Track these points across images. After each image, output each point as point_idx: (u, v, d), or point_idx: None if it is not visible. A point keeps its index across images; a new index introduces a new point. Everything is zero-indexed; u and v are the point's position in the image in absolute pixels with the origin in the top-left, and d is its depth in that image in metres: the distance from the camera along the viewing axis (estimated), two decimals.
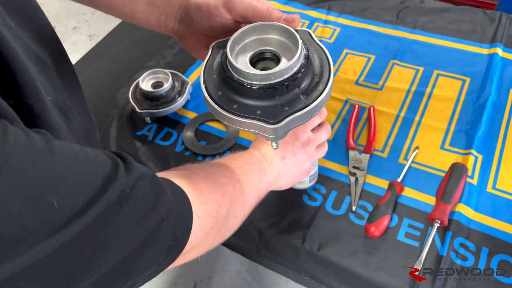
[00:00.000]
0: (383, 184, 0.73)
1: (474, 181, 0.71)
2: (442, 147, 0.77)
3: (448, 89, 0.85)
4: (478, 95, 0.83)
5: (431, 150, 0.76)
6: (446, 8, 1.02)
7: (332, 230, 0.69)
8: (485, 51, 0.91)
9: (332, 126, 0.82)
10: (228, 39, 0.45)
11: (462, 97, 0.84)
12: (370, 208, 0.70)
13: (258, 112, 0.42)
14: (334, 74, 0.90)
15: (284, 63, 0.44)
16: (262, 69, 0.44)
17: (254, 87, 0.42)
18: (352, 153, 0.77)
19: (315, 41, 0.48)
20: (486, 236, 0.65)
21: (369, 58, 0.93)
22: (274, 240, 0.69)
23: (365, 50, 0.94)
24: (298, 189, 0.74)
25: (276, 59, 0.46)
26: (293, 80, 0.42)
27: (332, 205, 0.71)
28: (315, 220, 0.70)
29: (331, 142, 0.80)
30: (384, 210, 0.68)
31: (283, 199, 0.73)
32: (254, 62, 0.46)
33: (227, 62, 0.43)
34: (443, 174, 0.73)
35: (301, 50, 0.42)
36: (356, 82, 0.89)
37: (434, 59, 0.91)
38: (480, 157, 0.74)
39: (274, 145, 0.50)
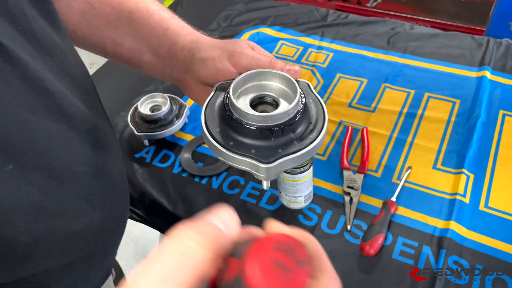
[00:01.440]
0: (378, 203, 0.74)
1: (467, 200, 0.72)
2: (434, 167, 0.78)
3: (439, 111, 0.88)
4: (468, 116, 0.86)
5: (423, 170, 0.78)
6: (436, 33, 1.06)
7: (328, 249, 0.68)
8: (474, 74, 0.94)
9: (327, 147, 0.84)
10: (232, 81, 0.48)
11: (453, 118, 0.86)
12: (365, 227, 0.71)
13: (253, 151, 0.44)
14: (328, 97, 0.94)
15: (282, 108, 0.47)
16: (261, 112, 0.46)
17: (252, 127, 0.44)
18: (346, 173, 0.78)
19: (313, 92, 0.51)
20: (480, 254, 0.66)
21: (362, 82, 0.96)
22: None
23: (358, 74, 0.97)
24: (294, 209, 0.75)
25: (275, 104, 0.49)
26: (289, 125, 0.45)
27: (328, 224, 0.72)
28: None
29: (326, 163, 0.81)
30: (378, 228, 0.68)
31: (279, 219, 0.73)
32: (254, 104, 0.49)
33: (229, 101, 0.46)
34: (436, 193, 0.74)
35: (298, 98, 0.46)
36: (349, 105, 0.91)
37: (425, 82, 0.94)
38: (471, 176, 0.75)
39: (265, 184, 0.50)
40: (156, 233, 0.94)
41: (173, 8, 1.20)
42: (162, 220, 0.81)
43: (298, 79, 0.51)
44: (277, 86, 0.50)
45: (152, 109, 0.87)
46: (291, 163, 0.45)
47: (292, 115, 0.45)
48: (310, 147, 0.45)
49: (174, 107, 0.87)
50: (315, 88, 0.95)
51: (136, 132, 0.84)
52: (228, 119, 0.45)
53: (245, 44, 0.52)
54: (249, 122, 0.44)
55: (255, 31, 1.11)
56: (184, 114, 0.86)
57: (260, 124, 0.44)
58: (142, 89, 1.00)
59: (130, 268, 1.35)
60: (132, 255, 1.50)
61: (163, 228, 0.85)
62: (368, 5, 2.05)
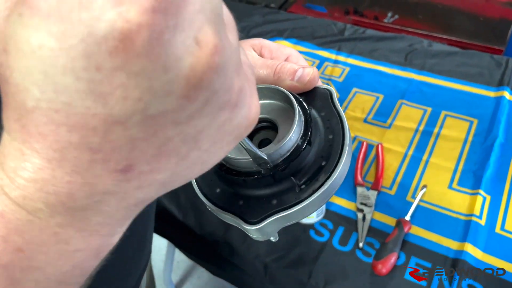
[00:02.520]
0: (391, 221, 0.72)
1: (482, 222, 0.70)
2: (450, 187, 0.77)
3: (456, 130, 0.86)
4: (485, 136, 0.84)
5: (439, 189, 0.76)
6: (454, 52, 1.05)
7: (339, 266, 0.68)
8: (492, 93, 0.93)
9: None
10: None
11: (470, 138, 0.84)
12: (377, 245, 0.70)
13: (241, 202, 0.34)
14: (343, 111, 0.92)
15: (279, 138, 0.34)
16: (260, 142, 0.36)
17: (234, 173, 0.33)
18: (360, 190, 0.77)
19: (334, 105, 0.36)
20: (495, 278, 0.64)
21: (378, 97, 0.95)
22: (280, 275, 0.69)
23: (374, 90, 0.96)
24: (305, 223, 0.74)
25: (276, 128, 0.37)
26: (282, 169, 0.32)
27: (339, 241, 0.71)
28: (321, 255, 0.69)
29: None
30: (391, 247, 0.67)
31: (290, 233, 0.73)
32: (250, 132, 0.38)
33: None
34: (451, 214, 0.72)
35: (296, 128, 0.32)
36: (365, 120, 0.90)
37: (442, 100, 0.92)
38: (488, 197, 0.74)
39: (272, 238, 0.37)
40: (164, 241, 0.93)
41: None
42: (172, 228, 0.80)
43: (318, 86, 0.38)
44: (276, 104, 0.37)
45: None
46: (289, 219, 0.33)
47: (285, 154, 0.32)
48: (316, 196, 0.31)
49: None
50: None
51: None
52: None
53: (247, 50, 0.42)
54: (231, 167, 0.33)
55: None
56: None
57: (243, 169, 0.32)
58: None
59: None
60: None
61: (172, 237, 0.84)
62: (385, 20, 2.04)
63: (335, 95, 0.36)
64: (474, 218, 0.71)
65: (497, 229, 0.70)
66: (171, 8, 0.15)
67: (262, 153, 0.31)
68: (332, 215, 0.75)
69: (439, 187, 0.77)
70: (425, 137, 0.86)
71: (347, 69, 1.02)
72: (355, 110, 0.93)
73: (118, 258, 0.49)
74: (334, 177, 0.32)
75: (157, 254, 1.50)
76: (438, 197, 0.75)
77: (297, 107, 0.33)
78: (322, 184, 0.31)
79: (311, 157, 0.33)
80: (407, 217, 0.72)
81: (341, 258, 0.69)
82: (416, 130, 0.87)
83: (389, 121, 0.90)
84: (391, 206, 0.75)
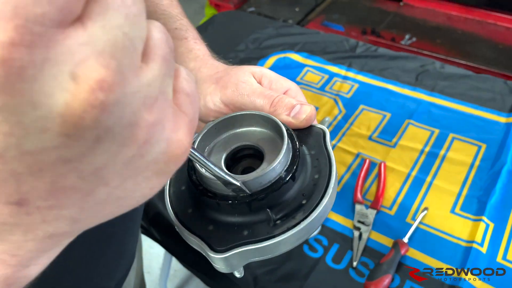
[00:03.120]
0: (388, 242, 0.70)
1: (484, 249, 0.68)
2: (452, 211, 0.74)
3: (463, 153, 0.84)
4: (493, 162, 0.81)
5: (440, 213, 0.74)
6: (467, 75, 1.03)
7: (331, 285, 0.66)
8: (503, 119, 0.90)
9: (341, 178, 0.81)
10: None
11: (477, 163, 0.82)
12: (371, 265, 0.67)
13: (210, 227, 0.32)
14: (349, 128, 0.91)
15: (263, 167, 0.32)
16: (243, 170, 0.35)
17: (210, 195, 0.31)
18: (358, 207, 0.75)
19: (326, 146, 0.35)
20: None
21: (385, 116, 0.93)
22: None
23: (381, 108, 0.95)
24: None
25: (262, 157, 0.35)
26: (260, 199, 0.30)
27: (333, 258, 0.69)
28: (313, 272, 0.67)
29: (338, 194, 0.78)
30: (386, 269, 0.65)
31: None
32: (235, 158, 0.36)
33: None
34: (451, 239, 0.70)
35: (283, 158, 0.31)
36: (369, 138, 0.88)
37: (451, 123, 0.90)
38: (491, 225, 0.71)
39: (236, 273, 0.35)
40: (162, 248, 0.92)
41: (204, 27, 1.22)
42: (165, 234, 0.79)
43: (313, 125, 0.37)
44: (267, 133, 0.36)
45: None
46: (258, 254, 0.30)
47: (266, 184, 0.30)
48: (289, 234, 0.29)
49: None
50: (335, 118, 0.93)
51: None
52: (189, 178, 0.33)
53: (246, 77, 0.40)
54: (207, 188, 0.31)
55: (282, 55, 1.11)
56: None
57: (219, 192, 0.31)
58: None
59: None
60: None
61: (166, 243, 0.83)
62: (402, 42, 2.03)
63: (328, 136, 0.36)
64: (475, 245, 0.68)
65: (499, 258, 0.67)
66: (39, 41, 0.13)
67: (235, 179, 0.29)
68: (327, 231, 0.73)
69: (441, 210, 0.74)
70: (430, 159, 0.83)
71: (356, 85, 1.01)
72: (361, 127, 0.91)
73: (92, 260, 0.49)
74: (312, 217, 0.30)
75: (155, 261, 1.49)
76: (439, 221, 0.73)
77: (286, 139, 0.32)
78: (298, 223, 0.30)
79: (292, 193, 0.32)
80: (405, 239, 0.69)
81: (334, 276, 0.67)
82: (422, 151, 0.85)
83: (394, 140, 0.88)
84: (390, 226, 0.73)
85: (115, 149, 0.17)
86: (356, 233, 0.72)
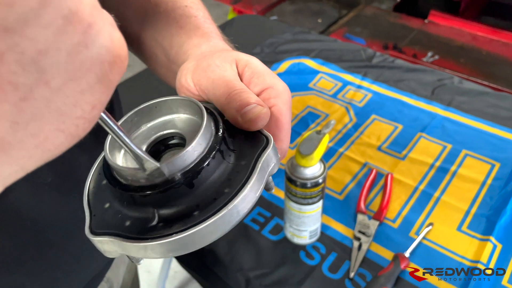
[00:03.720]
0: (388, 255, 0.67)
1: (489, 271, 0.64)
2: (459, 229, 0.71)
3: (475, 171, 0.81)
4: (506, 181, 0.78)
5: (446, 230, 0.71)
6: (485, 92, 0.99)
7: None
8: None
9: (345, 187, 0.79)
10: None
11: (489, 181, 0.79)
12: (369, 277, 0.65)
13: (107, 205, 0.29)
14: (358, 136, 0.89)
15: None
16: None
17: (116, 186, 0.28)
18: (360, 217, 0.73)
19: (256, 160, 0.28)
20: None
21: (396, 127, 0.91)
22: None
23: (393, 119, 0.92)
24: (297, 243, 0.70)
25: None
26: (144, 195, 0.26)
27: (329, 267, 0.67)
28: (308, 279, 0.65)
29: (341, 202, 0.76)
30: (383, 282, 0.62)
31: (279, 250, 0.69)
32: (161, 149, 0.32)
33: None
34: (455, 257, 0.67)
35: (197, 143, 0.27)
36: (379, 148, 0.86)
37: (465, 139, 0.87)
38: (499, 246, 0.68)
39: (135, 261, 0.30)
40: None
41: (221, 28, 1.21)
42: None
43: (262, 131, 0.31)
44: (192, 119, 0.31)
45: None
46: (125, 249, 0.26)
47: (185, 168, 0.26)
48: (153, 243, 0.25)
49: None
50: (345, 126, 0.91)
51: None
52: (103, 170, 0.29)
53: (223, 61, 0.35)
54: (117, 177, 0.28)
55: (296, 60, 1.10)
56: None
57: (126, 181, 0.27)
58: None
59: None
60: None
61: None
62: (424, 59, 2.00)
63: (270, 148, 0.29)
64: (480, 266, 0.65)
65: (504, 281, 0.63)
66: None
67: (152, 160, 0.26)
68: (326, 239, 0.70)
69: (447, 227, 0.71)
70: (440, 174, 0.80)
71: (370, 95, 0.99)
72: (371, 136, 0.89)
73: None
74: (210, 222, 0.25)
75: (156, 261, 1.48)
76: (444, 238, 0.70)
77: (206, 119, 0.28)
78: (187, 228, 0.25)
79: (187, 200, 0.27)
80: (407, 253, 0.67)
81: (329, 285, 0.64)
82: (432, 166, 0.82)
83: (404, 152, 0.85)
84: (392, 239, 0.70)
85: (60, 24, 0.14)
86: (356, 243, 0.69)
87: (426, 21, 2.25)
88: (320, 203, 0.64)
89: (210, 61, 0.35)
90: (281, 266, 0.67)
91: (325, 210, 0.73)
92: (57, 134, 0.17)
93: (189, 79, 0.36)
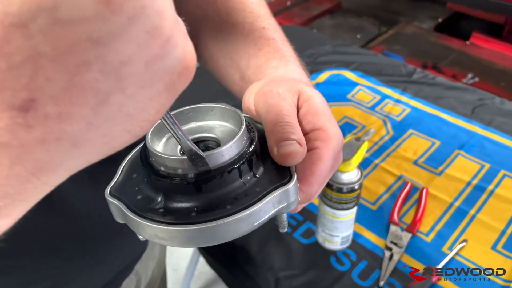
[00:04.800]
0: (420, 268, 0.67)
1: None
2: (493, 248, 0.70)
3: None
4: None
5: (480, 248, 0.70)
6: None
7: None
8: None
9: (379, 197, 0.79)
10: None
11: None
12: (399, 287, 0.65)
13: (134, 175, 0.31)
14: (394, 149, 0.89)
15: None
16: None
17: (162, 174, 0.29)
18: (393, 228, 0.73)
19: (265, 193, 0.28)
20: None
21: (434, 143, 0.90)
22: None
23: (431, 135, 0.92)
24: (328, 248, 0.70)
25: None
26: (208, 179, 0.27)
27: (359, 275, 0.67)
28: (337, 284, 0.66)
29: (374, 212, 0.76)
30: None
31: (310, 253, 0.70)
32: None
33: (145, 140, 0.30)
34: (488, 276, 0.66)
35: (241, 133, 0.29)
36: (415, 162, 0.86)
37: (504, 159, 0.86)
38: None
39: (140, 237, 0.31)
40: None
41: None
42: None
43: (291, 169, 0.31)
44: (231, 128, 0.33)
45: None
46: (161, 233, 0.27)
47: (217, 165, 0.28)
48: (178, 228, 0.26)
49: None
50: (382, 138, 0.91)
51: None
52: (143, 163, 0.30)
53: (285, 90, 0.35)
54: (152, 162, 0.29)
55: (336, 72, 1.11)
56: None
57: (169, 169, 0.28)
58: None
59: None
60: None
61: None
62: (464, 80, 1.98)
63: (289, 187, 0.29)
64: None
65: None
66: None
67: (200, 151, 0.27)
68: (357, 246, 0.71)
69: (481, 245, 0.70)
70: (477, 192, 0.80)
71: (408, 110, 0.99)
72: (407, 150, 0.89)
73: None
74: (176, 228, 0.26)
75: (183, 260, 1.51)
76: (478, 255, 0.69)
77: (244, 127, 0.29)
78: (165, 223, 0.26)
79: (229, 189, 0.28)
80: (439, 267, 0.66)
81: None
82: (468, 183, 0.81)
83: (440, 168, 0.85)
84: (424, 252, 0.70)
85: (143, 38, 0.15)
86: (388, 253, 0.69)
87: (467, 42, 2.22)
88: (354, 210, 0.65)
89: (274, 87, 0.36)
90: (311, 269, 0.68)
91: (357, 219, 0.73)
92: (124, 134, 0.18)
93: (251, 99, 0.37)
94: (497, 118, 0.97)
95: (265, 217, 0.28)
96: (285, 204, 0.29)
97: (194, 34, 0.52)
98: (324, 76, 1.10)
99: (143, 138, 0.29)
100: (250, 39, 0.47)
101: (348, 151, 0.61)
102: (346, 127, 0.95)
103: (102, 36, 0.14)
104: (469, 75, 2.00)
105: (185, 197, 0.28)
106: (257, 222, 0.28)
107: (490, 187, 0.80)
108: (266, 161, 0.31)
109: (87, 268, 0.53)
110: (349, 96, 1.04)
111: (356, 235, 0.72)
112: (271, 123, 0.32)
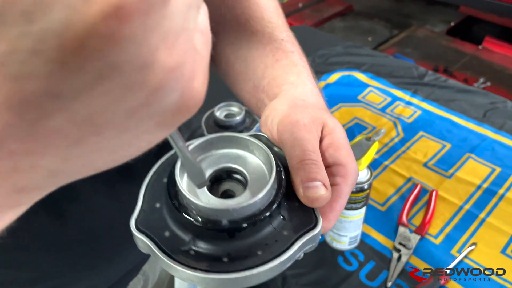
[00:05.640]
0: (427, 270, 0.67)
1: None
2: (503, 252, 0.70)
3: None
4: None
5: (490, 251, 0.70)
6: None
7: None
8: None
9: (388, 199, 0.79)
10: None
11: None
12: None
13: (157, 205, 0.31)
14: (404, 151, 0.88)
15: (244, 197, 0.30)
16: (223, 192, 0.33)
17: (190, 219, 0.29)
18: (401, 229, 0.72)
19: (295, 239, 0.29)
20: None
21: (444, 146, 0.90)
22: None
23: (442, 137, 0.92)
24: (335, 248, 0.70)
25: (246, 184, 0.32)
26: (240, 228, 0.28)
27: (367, 275, 0.67)
28: (344, 284, 0.66)
29: (383, 214, 0.76)
30: None
31: (317, 253, 0.70)
32: (216, 181, 0.33)
33: (171, 174, 0.31)
34: (497, 279, 0.65)
35: (266, 195, 0.29)
36: (425, 164, 0.86)
37: None
38: None
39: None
40: None
41: None
42: None
43: (315, 211, 0.31)
44: (255, 160, 0.33)
45: (227, 116, 0.89)
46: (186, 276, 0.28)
47: (254, 210, 0.28)
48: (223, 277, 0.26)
49: (247, 120, 0.88)
50: (391, 140, 0.91)
51: (205, 133, 0.86)
52: (168, 199, 0.30)
53: (310, 122, 0.35)
54: (189, 212, 0.29)
55: (347, 73, 1.11)
56: (255, 128, 0.87)
57: (205, 217, 0.28)
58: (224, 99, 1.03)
59: None
60: None
61: None
62: (475, 85, 1.96)
63: (315, 233, 0.30)
64: None
65: None
66: None
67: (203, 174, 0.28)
68: (365, 247, 0.71)
69: (491, 249, 0.70)
70: (487, 196, 0.79)
71: (419, 112, 0.99)
72: (417, 152, 0.88)
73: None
74: (212, 276, 0.26)
75: None
76: (487, 259, 0.68)
77: (274, 174, 0.29)
78: (198, 270, 0.27)
79: (260, 236, 0.29)
80: (447, 270, 0.66)
81: None
82: (479, 187, 0.81)
83: (451, 171, 0.84)
84: (432, 255, 0.69)
85: (119, 93, 0.13)
86: (396, 255, 0.69)
87: (480, 47, 2.20)
88: (363, 210, 0.65)
89: (300, 117, 0.35)
90: (318, 268, 0.68)
91: (366, 220, 0.73)
92: (110, 163, 0.17)
93: (274, 124, 0.36)
94: (509, 122, 0.96)
95: (292, 261, 0.29)
96: (310, 245, 0.30)
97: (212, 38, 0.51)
98: (335, 76, 1.10)
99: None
100: (268, 49, 0.47)
101: (358, 151, 0.61)
102: (356, 128, 0.95)
103: (62, 92, 0.13)
104: (481, 80, 1.99)
105: (217, 242, 0.28)
106: (286, 267, 0.29)
107: (501, 191, 0.80)
108: (290, 197, 0.31)
109: (95, 268, 0.54)
110: (359, 97, 1.04)
111: (364, 235, 0.72)
112: (297, 159, 0.32)
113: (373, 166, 0.85)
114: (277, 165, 0.31)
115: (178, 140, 0.25)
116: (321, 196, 0.30)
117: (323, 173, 0.31)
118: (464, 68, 2.08)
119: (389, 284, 0.65)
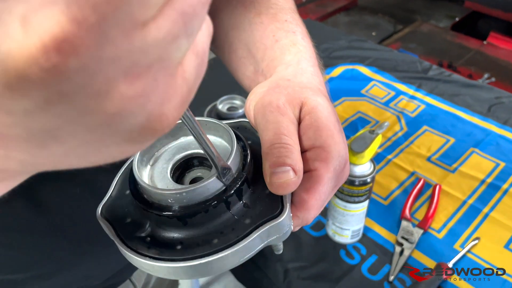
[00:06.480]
0: (430, 264, 0.67)
1: None
2: (506, 246, 0.69)
3: None
4: None
5: (493, 246, 0.69)
6: None
7: None
8: None
9: (391, 193, 0.79)
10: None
11: None
12: (409, 283, 0.64)
13: (127, 192, 0.30)
14: (408, 146, 0.88)
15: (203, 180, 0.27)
16: (192, 180, 0.31)
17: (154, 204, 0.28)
18: (404, 223, 0.72)
19: (256, 225, 0.27)
20: None
21: (448, 140, 0.89)
22: (298, 285, 0.65)
23: (446, 132, 0.91)
24: (338, 242, 0.70)
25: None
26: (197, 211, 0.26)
27: (369, 269, 0.67)
28: (346, 277, 0.65)
29: (385, 208, 0.76)
30: None
31: (319, 246, 0.70)
32: (183, 169, 0.32)
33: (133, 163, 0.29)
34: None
35: (234, 151, 0.28)
36: (428, 159, 0.85)
37: None
38: None
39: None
40: None
41: None
42: None
43: (284, 198, 0.29)
44: (222, 142, 0.32)
45: (229, 109, 0.89)
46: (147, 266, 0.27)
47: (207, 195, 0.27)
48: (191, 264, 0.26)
49: None
50: (395, 134, 0.91)
51: None
52: (131, 191, 0.29)
53: (286, 102, 0.33)
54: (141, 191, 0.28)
55: (350, 67, 1.10)
56: None
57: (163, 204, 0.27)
58: (227, 92, 1.03)
59: None
60: None
61: None
62: (480, 80, 1.95)
63: (279, 221, 0.27)
64: None
65: None
66: None
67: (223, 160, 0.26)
68: (367, 241, 0.70)
69: (494, 244, 0.70)
70: (491, 191, 0.78)
71: (423, 106, 0.98)
72: (421, 147, 0.88)
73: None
74: (226, 252, 0.25)
75: None
76: (490, 254, 0.68)
77: (235, 148, 0.28)
78: (148, 257, 0.26)
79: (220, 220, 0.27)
80: (450, 264, 0.66)
81: (367, 286, 0.64)
82: (483, 181, 0.80)
83: (454, 165, 0.84)
84: (435, 249, 0.69)
85: (74, 115, 0.13)
86: (398, 249, 0.69)
87: (485, 42, 2.19)
88: (365, 203, 0.65)
89: (274, 98, 0.33)
90: (320, 261, 0.68)
91: (368, 213, 0.73)
92: (81, 163, 0.17)
93: (251, 107, 0.34)
94: None
95: (252, 252, 0.27)
96: (275, 236, 0.28)
97: (217, 23, 0.50)
98: (338, 70, 1.10)
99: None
100: (269, 30, 0.45)
101: (362, 144, 0.60)
102: (359, 122, 0.95)
103: (13, 110, 0.13)
104: (486, 75, 1.98)
105: (171, 228, 0.27)
106: (244, 258, 0.27)
107: (505, 186, 0.79)
108: (259, 184, 0.29)
109: (95, 255, 0.53)
110: (363, 91, 1.03)
111: (366, 229, 0.72)
112: (268, 143, 0.30)
113: (376, 160, 0.85)
114: (244, 150, 0.29)
115: (195, 125, 0.24)
116: (286, 181, 0.27)
117: (294, 157, 0.29)
118: (468, 64, 2.07)
119: (391, 278, 0.65)
